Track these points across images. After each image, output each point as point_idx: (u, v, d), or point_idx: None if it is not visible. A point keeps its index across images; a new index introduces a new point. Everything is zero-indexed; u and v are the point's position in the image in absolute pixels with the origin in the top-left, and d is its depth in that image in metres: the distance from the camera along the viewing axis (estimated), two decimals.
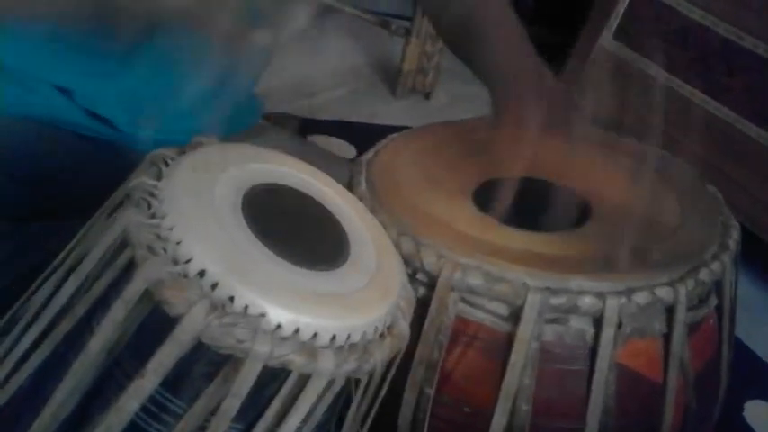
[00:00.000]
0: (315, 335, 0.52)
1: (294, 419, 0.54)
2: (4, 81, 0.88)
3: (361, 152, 0.89)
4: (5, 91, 0.89)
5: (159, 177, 0.58)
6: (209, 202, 0.57)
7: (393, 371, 0.62)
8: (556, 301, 0.68)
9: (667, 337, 0.72)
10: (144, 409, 0.52)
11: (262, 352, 0.50)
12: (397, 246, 0.71)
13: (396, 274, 0.64)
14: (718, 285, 0.76)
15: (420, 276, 0.72)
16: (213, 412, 0.52)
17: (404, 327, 0.60)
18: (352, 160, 1.11)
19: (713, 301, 0.76)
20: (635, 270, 0.70)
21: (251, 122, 1.08)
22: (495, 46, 0.88)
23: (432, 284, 0.71)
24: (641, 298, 0.68)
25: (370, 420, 0.65)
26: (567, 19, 1.97)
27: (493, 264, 0.70)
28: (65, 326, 0.55)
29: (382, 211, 0.75)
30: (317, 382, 0.53)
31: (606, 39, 1.82)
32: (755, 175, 1.57)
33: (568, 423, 0.71)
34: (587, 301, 0.68)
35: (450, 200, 0.80)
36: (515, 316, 0.69)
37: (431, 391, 0.71)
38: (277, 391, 0.53)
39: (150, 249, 0.52)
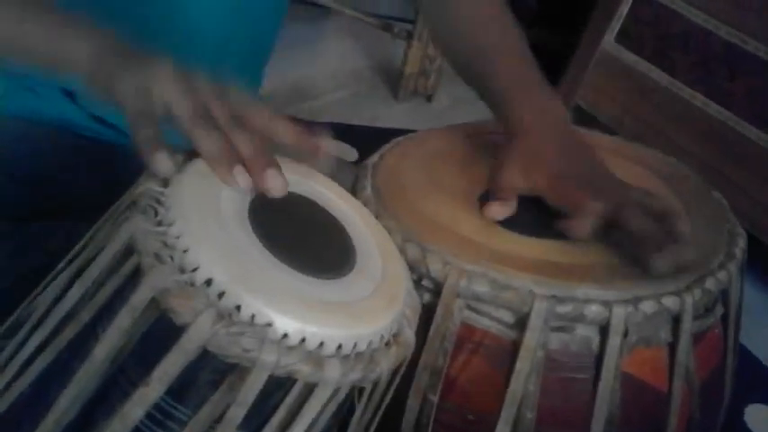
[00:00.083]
0: (321, 344, 0.52)
1: (299, 428, 0.54)
2: (8, 83, 0.88)
3: (362, 155, 0.89)
4: (9, 92, 0.89)
5: (166, 184, 0.57)
6: (216, 210, 0.56)
7: (398, 379, 0.62)
8: (562, 309, 0.68)
9: (673, 346, 0.71)
10: (148, 416, 0.52)
11: (268, 361, 0.50)
12: (403, 252, 0.71)
13: (401, 281, 0.64)
14: (724, 294, 0.76)
15: (425, 283, 0.71)
16: (218, 420, 0.52)
17: (409, 335, 0.60)
18: (354, 163, 1.10)
19: (719, 310, 0.76)
20: (641, 279, 0.70)
21: None
22: (502, 78, 0.88)
23: (437, 291, 0.70)
24: (648, 307, 0.68)
25: (373, 428, 0.65)
26: (570, 22, 1.97)
27: (499, 271, 0.69)
28: (69, 332, 0.55)
29: (387, 216, 0.75)
30: (323, 391, 0.53)
31: (608, 41, 1.82)
32: (756, 177, 1.57)
33: (573, 431, 0.71)
34: (594, 310, 0.68)
35: (456, 205, 0.80)
36: (521, 323, 0.68)
37: (435, 398, 0.71)
38: (282, 400, 0.53)
39: (157, 257, 0.51)
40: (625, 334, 0.68)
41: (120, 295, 0.53)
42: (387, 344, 0.57)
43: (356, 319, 0.55)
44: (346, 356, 0.53)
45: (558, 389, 0.70)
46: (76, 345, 0.55)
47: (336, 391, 0.54)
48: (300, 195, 0.64)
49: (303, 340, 0.51)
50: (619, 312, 0.67)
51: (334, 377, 0.52)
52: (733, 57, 1.60)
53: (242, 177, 0.59)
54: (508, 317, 0.70)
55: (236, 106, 0.62)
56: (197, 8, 0.88)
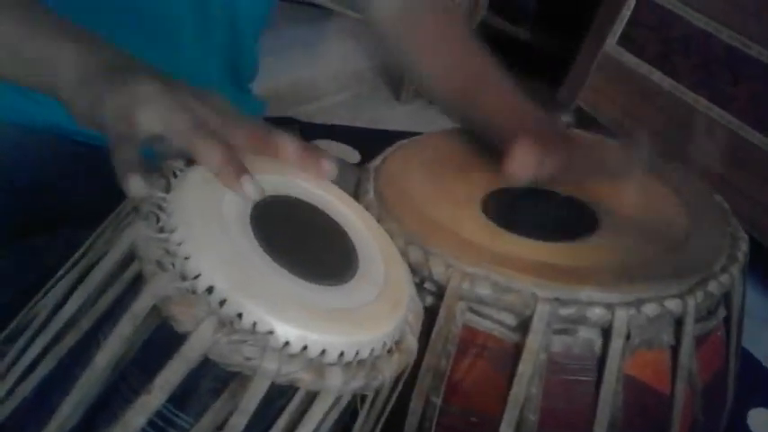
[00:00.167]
0: (323, 352, 0.52)
1: None
2: (3, 88, 0.88)
3: (364, 157, 0.89)
4: (3, 99, 0.88)
5: (168, 189, 0.57)
6: (218, 216, 0.56)
7: (401, 386, 0.62)
8: (565, 311, 0.68)
9: (675, 349, 0.71)
10: (150, 423, 0.52)
11: (270, 369, 0.50)
12: (405, 255, 0.71)
13: (404, 286, 0.64)
14: (726, 297, 0.76)
15: (428, 285, 0.72)
16: (220, 428, 0.52)
17: (412, 342, 0.60)
18: (357, 165, 1.10)
19: (722, 313, 0.76)
20: (644, 281, 0.70)
21: None
22: (492, 109, 0.89)
23: (440, 294, 0.70)
24: (650, 309, 0.68)
25: None
26: (571, 24, 1.97)
27: (501, 273, 0.69)
28: (71, 338, 0.55)
29: (390, 219, 0.75)
30: (325, 399, 0.53)
31: (610, 44, 1.82)
32: (759, 181, 1.57)
33: None
34: (596, 312, 0.68)
35: (459, 208, 0.80)
36: (524, 326, 0.69)
37: (437, 401, 0.71)
38: (284, 408, 0.53)
39: (159, 264, 0.51)
40: (627, 336, 0.68)
41: (122, 302, 0.53)
42: (389, 351, 0.57)
43: (359, 326, 0.55)
44: (348, 364, 0.53)
45: (560, 391, 0.70)
46: (78, 352, 0.55)
47: (338, 399, 0.54)
48: (302, 200, 0.64)
49: (305, 348, 0.51)
50: (621, 315, 0.67)
51: (336, 385, 0.52)
52: (735, 60, 1.60)
53: (250, 185, 0.58)
54: (510, 319, 0.70)
55: (228, 119, 0.62)
56: (172, 21, 0.88)
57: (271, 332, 0.50)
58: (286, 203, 0.62)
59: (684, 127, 1.68)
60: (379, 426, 0.64)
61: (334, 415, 0.55)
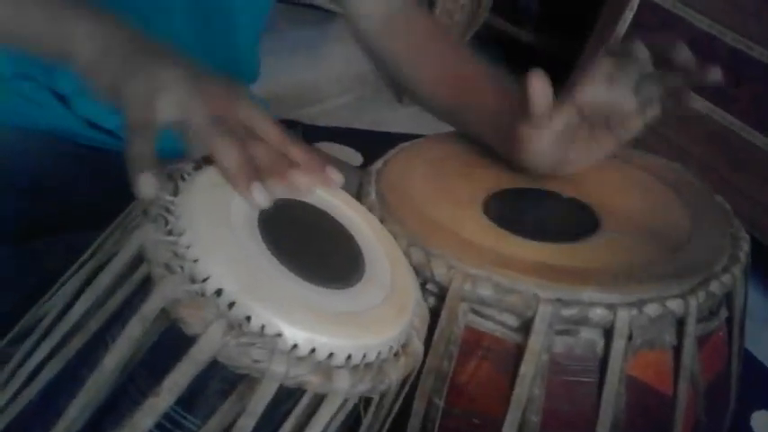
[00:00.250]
0: (331, 355, 0.52)
1: None
2: (4, 91, 0.88)
3: (366, 159, 0.89)
4: (3, 101, 0.89)
5: (176, 193, 0.58)
6: (226, 219, 0.57)
7: (406, 389, 0.62)
8: (567, 312, 0.68)
9: (677, 350, 0.72)
10: (158, 426, 0.52)
11: (278, 372, 0.50)
12: (407, 256, 0.71)
13: (410, 290, 0.64)
14: (728, 298, 0.76)
15: (430, 287, 0.72)
16: (227, 430, 0.52)
17: (418, 345, 0.60)
18: (359, 167, 1.11)
19: (723, 313, 0.76)
20: (646, 282, 0.70)
21: None
22: (488, 110, 0.89)
23: (442, 295, 0.71)
24: (652, 310, 0.68)
25: None
26: (574, 27, 1.97)
27: (503, 275, 0.70)
28: (79, 340, 0.56)
29: (392, 221, 0.75)
30: (332, 401, 0.53)
31: None
32: (761, 183, 1.57)
33: None
34: (598, 313, 0.68)
35: (461, 209, 0.80)
36: (526, 327, 0.69)
37: (440, 402, 0.71)
38: (291, 410, 0.53)
39: (167, 267, 0.52)
40: (629, 337, 0.68)
41: (131, 304, 0.54)
42: (396, 354, 0.58)
43: (366, 329, 0.56)
44: (355, 367, 0.54)
45: (562, 392, 0.70)
46: (86, 354, 0.55)
47: (345, 402, 0.54)
48: (309, 204, 0.65)
49: (313, 351, 0.52)
50: (623, 315, 0.68)
51: (343, 388, 0.52)
52: (738, 62, 1.60)
53: (259, 193, 0.58)
54: (512, 320, 0.70)
55: (249, 117, 0.62)
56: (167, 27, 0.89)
57: (279, 335, 0.51)
58: (293, 207, 0.63)
59: (687, 128, 1.68)
60: (385, 429, 0.64)
61: (341, 418, 0.55)
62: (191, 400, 0.52)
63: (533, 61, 0.87)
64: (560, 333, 0.69)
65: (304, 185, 0.60)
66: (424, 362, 0.69)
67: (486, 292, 0.69)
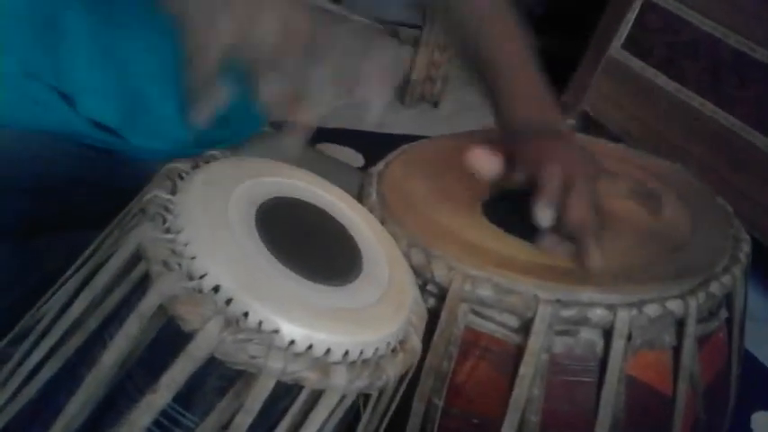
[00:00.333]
0: (328, 351, 0.52)
1: None
2: (7, 92, 0.88)
3: (368, 160, 0.89)
4: (8, 101, 0.89)
5: (174, 191, 0.58)
6: (224, 217, 0.57)
7: (404, 386, 0.62)
8: (566, 313, 0.68)
9: (677, 350, 0.72)
10: (156, 423, 0.52)
11: (275, 368, 0.50)
12: (408, 257, 0.71)
13: (408, 288, 0.64)
14: (728, 298, 0.76)
15: (430, 288, 0.72)
16: (225, 427, 0.52)
17: (416, 342, 0.60)
18: (361, 169, 1.10)
19: (723, 314, 0.76)
20: (646, 282, 0.70)
21: (259, 127, 1.08)
22: (512, 92, 0.89)
23: (442, 296, 0.71)
24: (652, 310, 0.68)
25: None
26: (577, 28, 1.97)
27: (503, 276, 0.70)
28: (78, 338, 0.56)
29: (392, 222, 0.76)
30: (330, 397, 0.53)
31: (615, 48, 1.83)
32: (760, 182, 1.57)
33: None
34: (598, 314, 0.68)
35: (461, 211, 0.80)
36: (525, 328, 0.69)
37: (440, 402, 0.72)
38: (289, 406, 0.53)
39: (165, 264, 0.52)
40: (629, 337, 0.69)
41: (129, 302, 0.54)
42: (393, 351, 0.58)
43: (363, 326, 0.56)
44: (353, 363, 0.54)
45: (562, 392, 0.70)
46: (84, 351, 0.55)
47: (343, 398, 0.54)
48: (307, 203, 0.65)
49: (310, 347, 0.52)
50: (623, 316, 0.68)
51: (340, 384, 0.52)
52: (741, 64, 1.60)
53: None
54: (512, 321, 0.70)
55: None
56: None
57: (276, 331, 0.51)
58: (290, 205, 0.63)
59: (689, 130, 1.69)
60: (383, 426, 0.64)
61: (339, 414, 0.55)
62: (188, 397, 0.52)
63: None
64: (560, 333, 0.69)
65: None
66: (423, 362, 0.69)
67: (486, 292, 0.69)
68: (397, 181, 0.85)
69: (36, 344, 0.58)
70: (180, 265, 0.52)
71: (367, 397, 0.59)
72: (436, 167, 0.89)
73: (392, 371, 0.56)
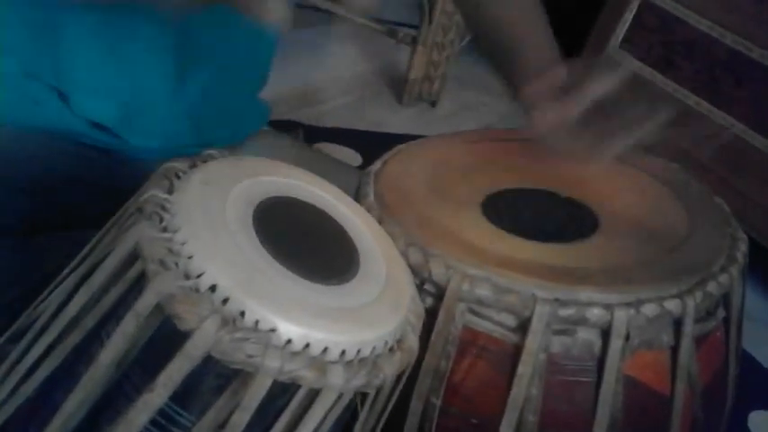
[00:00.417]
0: (325, 350, 0.52)
1: None
2: (6, 90, 0.88)
3: (366, 160, 0.89)
4: (5, 101, 0.89)
5: (171, 191, 0.58)
6: (221, 216, 0.57)
7: (401, 385, 0.62)
8: (564, 312, 0.68)
9: (675, 350, 0.72)
10: (153, 422, 0.52)
11: (272, 367, 0.50)
12: (405, 256, 0.71)
13: (405, 287, 0.64)
14: (725, 298, 0.76)
15: (428, 287, 0.72)
16: (222, 426, 0.52)
17: (413, 341, 0.60)
18: (358, 168, 1.11)
19: (721, 313, 0.76)
20: (643, 282, 0.70)
21: (258, 126, 1.08)
22: (525, 54, 0.90)
23: (440, 295, 0.71)
24: (650, 310, 0.68)
25: None
26: (574, 27, 1.97)
27: (501, 275, 0.70)
28: (74, 338, 0.56)
29: (390, 222, 0.76)
30: (327, 396, 0.53)
31: (613, 47, 1.83)
32: (759, 183, 1.57)
33: None
34: (596, 313, 0.68)
35: (459, 210, 0.80)
36: (523, 327, 0.69)
37: (437, 402, 0.71)
38: (286, 405, 0.53)
39: (162, 263, 0.52)
40: (627, 337, 0.68)
41: (125, 301, 0.53)
42: (391, 350, 0.58)
43: (360, 324, 0.56)
44: (350, 362, 0.54)
45: (560, 392, 0.70)
46: (81, 350, 0.55)
47: (340, 397, 0.54)
48: (305, 202, 0.65)
49: (307, 346, 0.52)
50: (621, 315, 0.68)
51: (337, 383, 0.52)
52: (738, 64, 1.60)
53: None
54: (510, 320, 0.70)
55: None
56: None
57: (273, 330, 0.51)
58: (287, 204, 0.63)
59: (685, 129, 1.68)
60: (380, 425, 0.64)
61: (336, 413, 0.55)
62: (185, 396, 0.52)
63: None
64: (558, 333, 0.69)
65: None
66: (421, 361, 0.69)
67: (483, 292, 0.69)
68: (394, 180, 0.84)
69: (33, 342, 0.58)
70: (177, 264, 0.52)
71: (364, 396, 0.59)
72: (434, 166, 0.89)
73: (389, 370, 0.56)
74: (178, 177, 0.60)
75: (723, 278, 0.73)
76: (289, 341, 0.51)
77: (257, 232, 0.58)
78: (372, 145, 0.99)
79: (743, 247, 0.78)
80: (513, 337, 0.70)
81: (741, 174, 1.58)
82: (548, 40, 0.91)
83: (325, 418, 0.54)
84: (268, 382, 0.50)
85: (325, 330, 0.52)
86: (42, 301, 0.62)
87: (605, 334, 0.69)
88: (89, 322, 0.55)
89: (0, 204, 0.83)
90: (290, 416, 0.53)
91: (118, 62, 0.87)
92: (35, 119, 0.88)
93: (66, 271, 0.61)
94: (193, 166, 0.62)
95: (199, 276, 0.51)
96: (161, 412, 0.52)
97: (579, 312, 0.68)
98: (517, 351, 0.69)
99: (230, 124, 1.01)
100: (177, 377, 0.50)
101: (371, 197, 0.80)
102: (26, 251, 0.80)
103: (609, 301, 0.68)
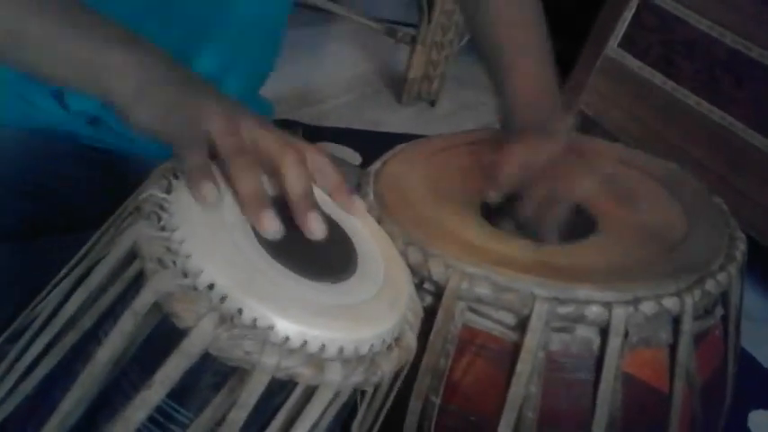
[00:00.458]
0: (322, 347, 0.52)
1: (300, 430, 0.54)
2: (3, 92, 0.88)
3: (366, 159, 0.89)
4: (4, 102, 0.89)
5: (169, 190, 0.58)
6: (219, 215, 0.57)
7: (399, 382, 0.62)
8: (563, 310, 0.68)
9: (673, 347, 0.72)
10: (150, 419, 0.52)
11: (269, 364, 0.50)
12: (405, 255, 0.71)
13: (403, 285, 0.64)
14: (724, 296, 0.76)
15: (427, 286, 0.72)
16: (220, 423, 0.52)
17: (411, 339, 0.60)
18: (358, 167, 1.11)
19: (719, 311, 0.76)
20: (642, 280, 0.70)
21: None
22: (515, 80, 0.89)
23: (439, 294, 0.71)
24: (648, 308, 0.68)
25: (375, 431, 0.65)
26: (573, 27, 1.97)
27: (500, 273, 0.70)
28: (72, 336, 0.56)
29: (390, 221, 0.76)
30: (324, 393, 0.53)
31: (612, 47, 1.83)
32: (759, 182, 1.57)
33: None
34: (594, 311, 0.68)
35: (458, 210, 0.80)
36: (522, 325, 0.69)
37: (437, 400, 0.72)
38: (283, 402, 0.53)
39: (160, 262, 0.52)
40: (625, 335, 0.69)
41: (123, 299, 0.54)
42: (389, 347, 0.58)
43: (358, 322, 0.56)
44: (348, 359, 0.54)
45: (559, 390, 0.70)
46: (80, 348, 0.55)
47: (338, 395, 0.54)
48: None
49: (304, 343, 0.52)
50: (619, 313, 0.68)
51: (335, 380, 0.52)
52: (738, 64, 1.60)
53: (269, 222, 0.58)
54: (509, 319, 0.70)
55: (279, 146, 0.62)
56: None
57: (271, 327, 0.51)
58: (285, 203, 0.63)
59: (686, 130, 1.69)
60: (378, 422, 0.64)
61: (333, 410, 0.55)
62: (183, 393, 0.52)
63: None
64: (557, 331, 0.69)
65: (317, 233, 0.61)
66: (420, 360, 0.69)
67: (483, 290, 0.69)
68: (394, 180, 0.85)
69: (32, 341, 0.58)
70: (175, 262, 0.52)
71: (362, 393, 0.59)
72: (434, 166, 0.89)
73: (387, 367, 0.56)
74: (176, 177, 0.60)
75: (722, 277, 0.73)
76: (286, 338, 0.51)
77: (255, 231, 0.58)
78: (372, 144, 0.99)
79: (741, 246, 0.78)
80: (512, 335, 0.70)
81: (740, 173, 1.58)
82: (539, 68, 0.91)
83: (322, 415, 0.54)
84: (265, 379, 0.51)
85: (322, 328, 0.53)
86: (41, 301, 0.62)
87: (604, 332, 0.69)
88: (87, 321, 0.55)
89: (1, 205, 0.83)
90: (287, 413, 0.53)
91: None
92: (34, 120, 0.88)
93: (64, 271, 0.61)
94: None
95: (197, 275, 0.51)
96: (159, 410, 0.52)
97: (578, 310, 0.68)
98: (516, 349, 0.69)
99: None
100: (175, 374, 0.50)
101: (371, 197, 0.80)
102: (26, 255, 0.80)
103: (607, 298, 0.68)
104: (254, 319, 0.51)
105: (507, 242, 0.76)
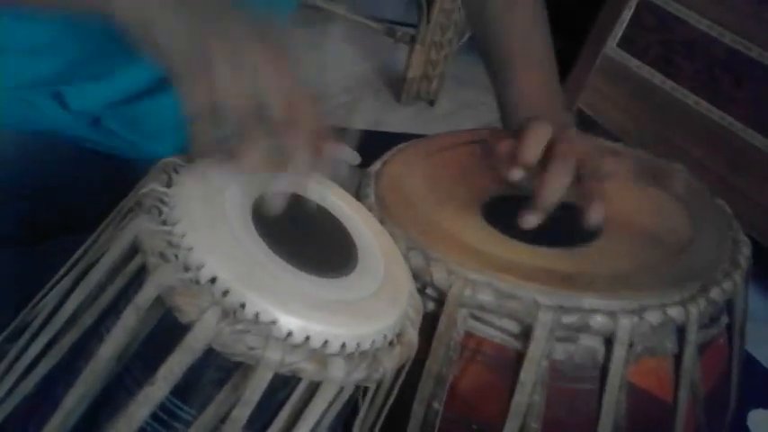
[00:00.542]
0: (325, 342, 0.52)
1: (304, 428, 0.54)
2: (3, 94, 0.88)
3: (366, 159, 0.89)
4: (4, 104, 0.88)
5: (169, 184, 0.58)
6: (220, 209, 0.57)
7: (401, 379, 0.62)
8: (567, 319, 0.67)
9: (678, 357, 0.71)
10: (154, 416, 0.52)
11: (273, 359, 0.50)
12: (407, 260, 0.70)
13: (404, 282, 0.64)
14: (729, 304, 0.76)
15: (429, 291, 0.71)
16: (223, 419, 0.52)
17: (413, 335, 0.60)
18: (358, 167, 1.10)
19: (724, 319, 0.76)
20: (647, 289, 0.70)
21: None
22: (517, 79, 0.89)
23: (441, 300, 0.70)
24: (653, 317, 0.68)
25: (377, 429, 0.65)
26: (572, 26, 1.97)
27: (503, 280, 0.69)
28: (74, 333, 0.55)
29: (391, 224, 0.75)
30: (327, 389, 0.53)
31: (611, 46, 1.83)
32: (759, 182, 1.57)
33: None
34: (599, 321, 0.67)
35: (460, 214, 0.80)
36: (526, 333, 0.68)
37: (439, 407, 0.71)
38: (287, 399, 0.53)
39: (162, 256, 0.52)
40: (630, 344, 0.68)
41: (126, 294, 0.53)
42: (390, 343, 0.58)
43: (360, 318, 0.56)
44: (350, 355, 0.53)
45: (562, 399, 0.70)
46: (82, 345, 0.55)
47: (341, 391, 0.54)
48: (303, 197, 0.65)
49: (307, 338, 0.52)
50: (624, 323, 0.67)
51: (338, 376, 0.52)
52: (737, 63, 1.60)
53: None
54: (513, 326, 0.69)
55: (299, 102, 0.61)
56: None
57: (274, 322, 0.51)
58: (287, 199, 0.62)
59: (686, 129, 1.69)
60: (380, 421, 0.64)
61: (337, 407, 0.55)
62: (186, 389, 0.52)
63: None
64: (561, 340, 0.69)
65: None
66: (423, 366, 0.69)
67: (486, 297, 0.69)
68: (395, 181, 0.84)
69: (33, 338, 0.58)
70: (177, 256, 0.52)
71: (365, 390, 0.59)
72: (435, 167, 0.88)
73: (389, 363, 0.56)
74: (176, 171, 0.60)
75: (727, 284, 0.72)
76: (289, 333, 0.51)
77: (256, 225, 0.58)
78: (371, 144, 0.98)
79: (745, 251, 0.77)
80: (515, 344, 0.69)
81: (741, 173, 1.59)
82: (542, 67, 0.91)
83: (326, 411, 0.54)
84: (269, 375, 0.50)
85: (325, 323, 0.52)
86: (41, 300, 0.61)
87: (608, 341, 0.68)
88: (89, 318, 0.55)
89: (2, 209, 0.82)
90: (290, 409, 0.53)
91: (117, 63, 0.86)
92: (35, 123, 0.88)
93: (63, 269, 0.61)
94: (191, 160, 0.61)
95: (199, 269, 0.51)
96: (162, 407, 0.52)
97: (582, 319, 0.67)
98: (519, 357, 0.68)
99: None
100: (178, 370, 0.50)
101: (372, 199, 0.80)
102: (27, 258, 0.80)
103: (612, 308, 0.68)
104: (257, 314, 0.51)
105: (510, 247, 0.75)
